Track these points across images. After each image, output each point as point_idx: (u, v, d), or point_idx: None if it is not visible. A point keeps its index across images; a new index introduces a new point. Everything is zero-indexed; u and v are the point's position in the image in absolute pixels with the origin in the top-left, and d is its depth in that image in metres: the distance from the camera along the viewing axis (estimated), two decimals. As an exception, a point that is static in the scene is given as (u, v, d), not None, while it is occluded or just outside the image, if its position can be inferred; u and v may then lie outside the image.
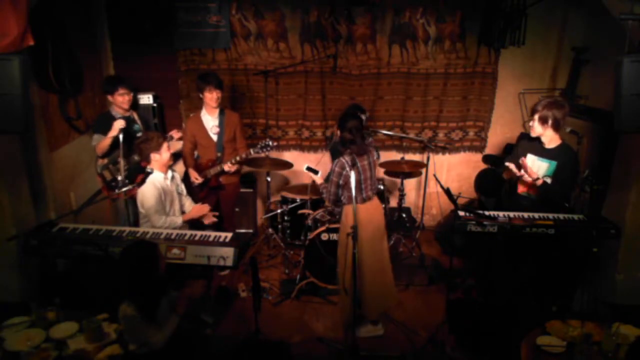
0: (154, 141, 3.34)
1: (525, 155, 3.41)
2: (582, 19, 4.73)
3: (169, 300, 2.61)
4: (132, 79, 4.18)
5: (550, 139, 3.29)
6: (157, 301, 2.51)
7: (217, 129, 4.08)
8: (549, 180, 3.28)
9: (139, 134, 3.98)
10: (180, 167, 4.31)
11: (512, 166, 3.39)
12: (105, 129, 3.85)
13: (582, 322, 2.61)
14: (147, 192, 3.33)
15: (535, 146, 3.39)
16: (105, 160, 3.92)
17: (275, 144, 4.40)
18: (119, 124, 3.73)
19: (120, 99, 3.93)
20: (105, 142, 3.85)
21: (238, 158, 3.98)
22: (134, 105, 4.42)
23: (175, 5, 4.68)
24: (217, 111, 4.08)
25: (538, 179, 3.27)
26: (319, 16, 4.80)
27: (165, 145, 3.40)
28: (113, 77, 4.23)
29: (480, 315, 2.01)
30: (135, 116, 4.18)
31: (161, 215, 3.37)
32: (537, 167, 3.35)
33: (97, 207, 4.08)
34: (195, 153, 4.25)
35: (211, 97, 3.94)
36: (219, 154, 4.10)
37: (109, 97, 3.96)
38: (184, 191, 3.76)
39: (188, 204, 3.74)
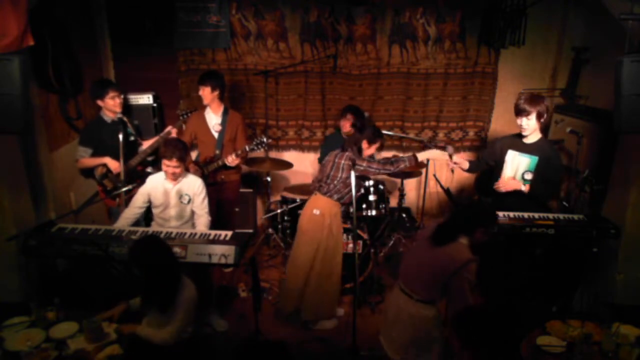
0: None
1: (505, 152, 3.41)
2: (582, 19, 4.72)
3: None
4: (132, 79, 4.16)
5: (534, 133, 3.31)
6: (173, 297, 2.54)
7: (219, 127, 4.11)
8: (529, 177, 3.29)
9: (132, 138, 3.91)
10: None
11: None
12: (92, 141, 3.75)
13: (582, 322, 2.61)
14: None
15: (515, 141, 3.39)
16: (105, 170, 3.78)
17: (269, 141, 4.53)
18: (114, 166, 3.69)
19: (112, 103, 3.74)
20: (89, 162, 3.77)
21: (240, 152, 3.99)
22: (127, 109, 4.32)
23: (175, 5, 4.67)
24: (221, 110, 4.11)
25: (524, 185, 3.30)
26: (319, 16, 4.79)
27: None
28: (101, 81, 4.06)
29: (486, 319, 2.01)
30: (126, 120, 3.89)
31: (129, 207, 3.45)
32: (517, 162, 3.36)
33: (97, 207, 4.08)
34: (195, 154, 4.26)
35: (202, 94, 4.00)
36: (217, 152, 4.12)
37: (99, 102, 3.77)
38: (194, 202, 3.46)
39: (201, 222, 3.45)
